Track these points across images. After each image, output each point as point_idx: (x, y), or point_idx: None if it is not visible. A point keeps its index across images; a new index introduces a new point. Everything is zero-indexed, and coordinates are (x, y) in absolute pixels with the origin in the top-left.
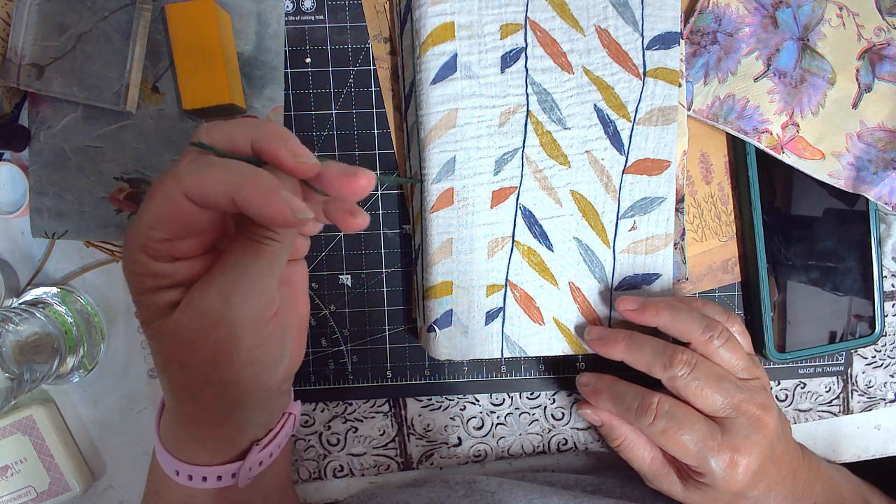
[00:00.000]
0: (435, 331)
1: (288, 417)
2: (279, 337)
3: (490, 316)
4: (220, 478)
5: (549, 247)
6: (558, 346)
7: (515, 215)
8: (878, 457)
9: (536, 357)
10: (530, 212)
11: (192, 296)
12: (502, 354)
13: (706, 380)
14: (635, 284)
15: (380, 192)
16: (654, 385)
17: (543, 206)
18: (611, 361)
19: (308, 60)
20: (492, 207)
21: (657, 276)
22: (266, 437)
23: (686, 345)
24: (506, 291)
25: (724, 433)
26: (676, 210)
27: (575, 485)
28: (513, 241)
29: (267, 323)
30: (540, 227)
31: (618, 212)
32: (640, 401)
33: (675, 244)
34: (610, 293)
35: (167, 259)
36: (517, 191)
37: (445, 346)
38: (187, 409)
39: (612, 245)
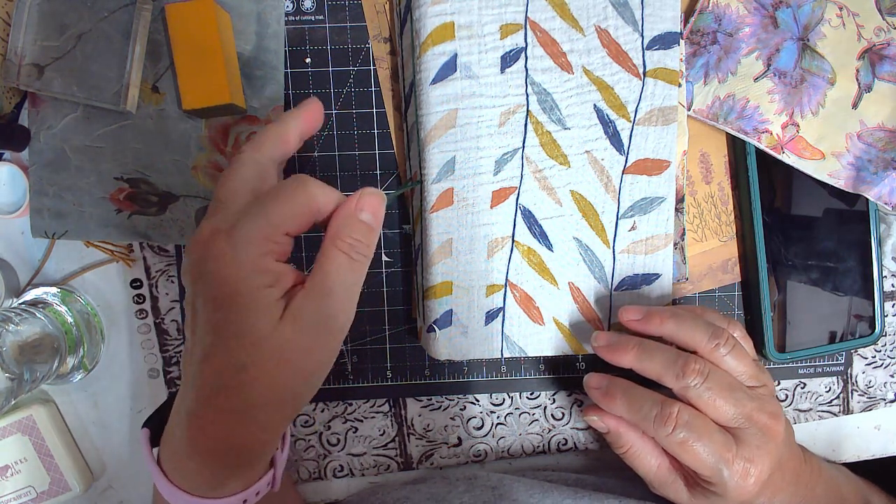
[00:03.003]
0: (435, 331)
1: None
2: None
3: (490, 316)
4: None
5: (549, 247)
6: (558, 346)
7: (515, 215)
8: (878, 457)
9: (536, 357)
10: (530, 212)
11: (300, 308)
12: (502, 354)
13: (718, 390)
14: (635, 284)
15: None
16: (652, 386)
17: (543, 206)
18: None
19: (308, 60)
20: (492, 207)
21: (657, 276)
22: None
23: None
24: (506, 291)
25: (738, 444)
26: (676, 210)
27: (575, 483)
28: (513, 241)
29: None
30: (540, 227)
31: (618, 212)
32: (658, 409)
33: (675, 244)
34: (610, 293)
35: (278, 257)
36: (517, 191)
37: (445, 346)
38: (238, 431)
39: (611, 245)
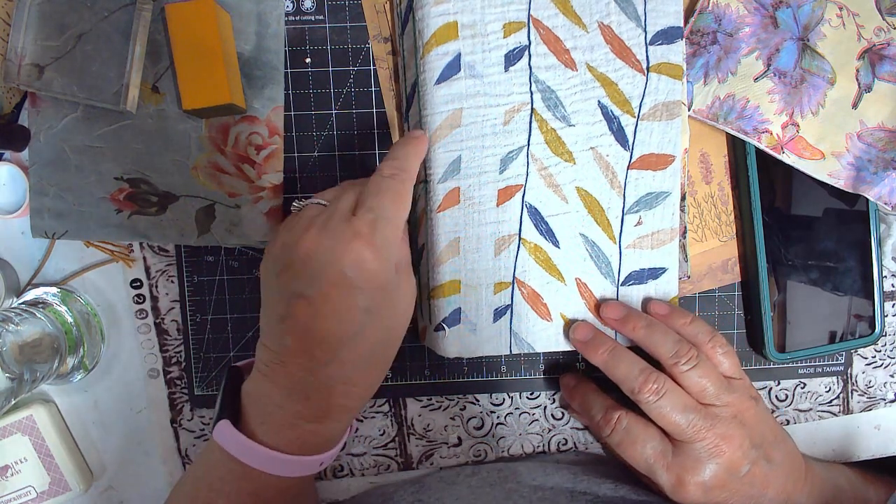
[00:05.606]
0: (444, 329)
1: None
2: None
3: (498, 313)
4: (321, 463)
5: (556, 243)
6: (566, 342)
7: (521, 213)
8: (877, 457)
9: (536, 357)
10: (536, 209)
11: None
12: (510, 351)
13: (671, 408)
14: (642, 279)
15: None
16: None
17: (549, 204)
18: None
19: (308, 60)
20: (498, 205)
21: (664, 270)
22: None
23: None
24: (513, 288)
25: (675, 455)
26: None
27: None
28: (519, 238)
29: None
30: (546, 224)
31: (623, 207)
32: (602, 414)
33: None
34: (616, 289)
35: None
36: (523, 188)
37: (455, 344)
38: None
39: (618, 241)
